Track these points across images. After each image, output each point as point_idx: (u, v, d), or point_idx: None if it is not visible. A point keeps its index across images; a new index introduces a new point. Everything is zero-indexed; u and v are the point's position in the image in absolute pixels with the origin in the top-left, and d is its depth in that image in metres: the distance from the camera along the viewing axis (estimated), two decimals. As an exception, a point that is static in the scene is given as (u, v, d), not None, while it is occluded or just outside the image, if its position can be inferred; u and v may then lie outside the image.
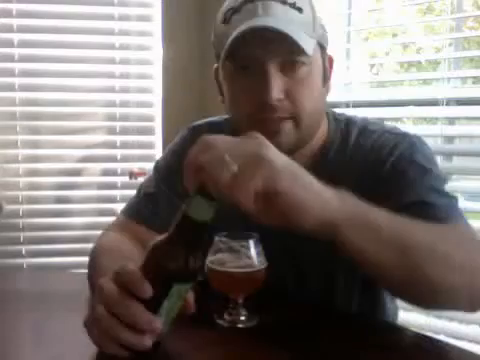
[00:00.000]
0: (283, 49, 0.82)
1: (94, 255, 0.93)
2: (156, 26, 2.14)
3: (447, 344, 0.77)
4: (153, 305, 0.63)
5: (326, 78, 0.92)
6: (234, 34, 0.81)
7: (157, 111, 2.18)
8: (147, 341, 0.63)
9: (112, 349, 0.63)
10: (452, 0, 1.62)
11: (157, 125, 2.19)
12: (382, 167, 0.88)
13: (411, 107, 1.74)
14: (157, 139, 2.19)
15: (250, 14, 0.82)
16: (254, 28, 0.80)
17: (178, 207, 0.64)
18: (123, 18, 2.14)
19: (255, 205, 0.59)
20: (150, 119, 2.20)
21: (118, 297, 0.62)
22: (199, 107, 2.12)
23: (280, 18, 0.81)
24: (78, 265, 2.01)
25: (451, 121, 1.63)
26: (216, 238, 0.81)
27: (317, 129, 0.93)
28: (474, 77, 1.69)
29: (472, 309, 0.75)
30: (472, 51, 1.72)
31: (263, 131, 0.76)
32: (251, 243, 0.80)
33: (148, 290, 0.62)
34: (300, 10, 0.83)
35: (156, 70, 2.16)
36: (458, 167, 1.70)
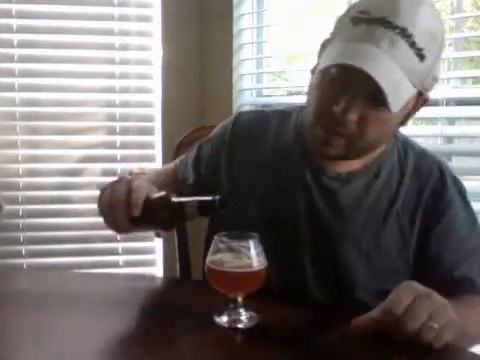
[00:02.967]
0: (377, 95, 0.80)
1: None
2: (156, 26, 2.13)
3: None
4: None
5: (407, 120, 0.92)
6: (345, 59, 0.81)
7: (157, 111, 2.18)
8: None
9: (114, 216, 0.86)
10: (452, 0, 1.62)
11: (157, 125, 2.18)
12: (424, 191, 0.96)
13: (411, 107, 1.73)
14: (157, 139, 2.18)
15: (375, 40, 0.80)
16: (362, 72, 0.78)
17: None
18: (123, 18, 2.14)
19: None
20: (150, 119, 2.20)
21: (118, 197, 0.85)
22: (199, 107, 2.12)
23: (399, 60, 0.80)
24: (78, 265, 2.00)
25: (451, 121, 1.63)
26: (216, 238, 0.81)
27: (374, 150, 0.95)
28: (474, 77, 1.68)
29: None
30: (472, 51, 1.71)
31: (318, 134, 0.88)
32: (251, 243, 0.80)
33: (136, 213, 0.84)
34: (422, 58, 0.81)
35: (156, 70, 2.16)
36: (458, 167, 1.69)
